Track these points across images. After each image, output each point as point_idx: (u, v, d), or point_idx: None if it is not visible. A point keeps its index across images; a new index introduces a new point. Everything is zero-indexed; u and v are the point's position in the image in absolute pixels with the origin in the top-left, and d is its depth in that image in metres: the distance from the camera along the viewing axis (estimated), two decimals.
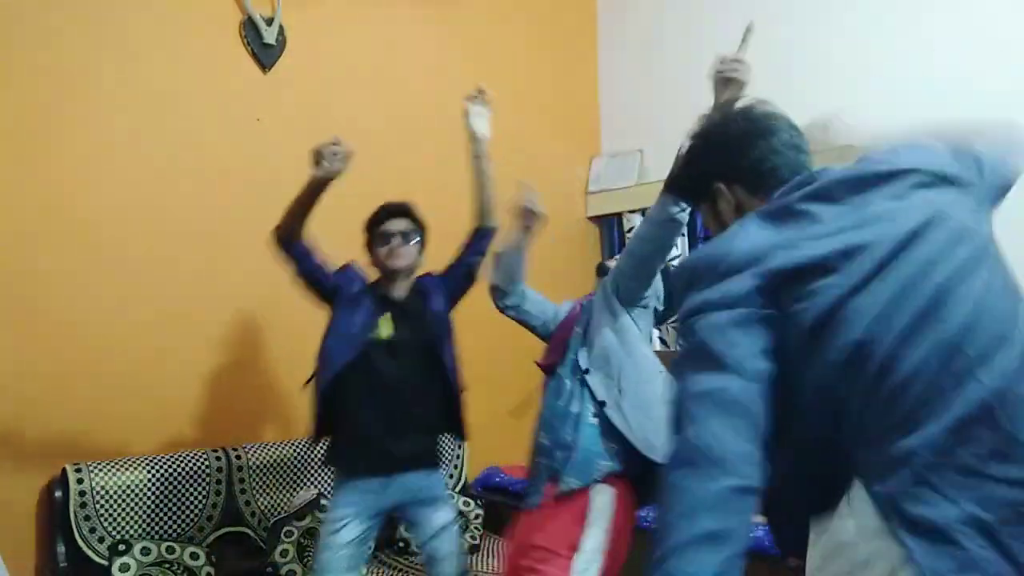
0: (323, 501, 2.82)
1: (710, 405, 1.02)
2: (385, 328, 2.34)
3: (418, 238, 2.44)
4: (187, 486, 2.79)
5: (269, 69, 3.21)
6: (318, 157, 2.25)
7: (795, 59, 3.33)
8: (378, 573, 2.94)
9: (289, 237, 2.34)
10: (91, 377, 2.75)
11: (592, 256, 4.13)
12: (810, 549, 1.11)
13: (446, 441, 2.65)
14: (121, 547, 2.57)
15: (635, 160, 4.02)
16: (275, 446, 3.04)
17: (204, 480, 2.83)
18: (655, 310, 2.36)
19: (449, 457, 3.48)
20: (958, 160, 1.19)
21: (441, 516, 2.41)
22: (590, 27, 4.30)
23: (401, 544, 3.15)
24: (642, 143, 3.98)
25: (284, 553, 2.77)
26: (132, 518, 2.67)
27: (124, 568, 2.53)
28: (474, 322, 3.54)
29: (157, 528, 2.71)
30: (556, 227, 3.98)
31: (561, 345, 2.35)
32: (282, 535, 2.78)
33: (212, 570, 2.66)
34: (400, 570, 2.99)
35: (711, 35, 3.68)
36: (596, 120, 4.28)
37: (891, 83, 3.13)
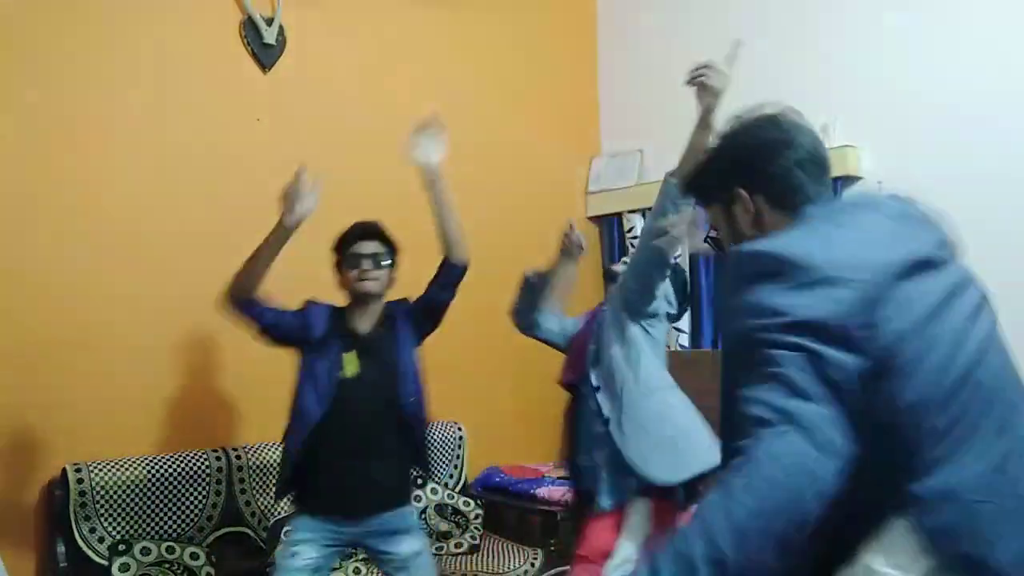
0: None
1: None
2: (350, 366, 2.27)
3: (390, 261, 2.36)
4: (187, 486, 2.79)
5: (269, 69, 3.21)
6: (290, 200, 2.17)
7: (794, 58, 3.33)
8: (379, 573, 2.94)
9: (246, 297, 2.22)
10: (91, 377, 2.75)
11: (592, 256, 4.13)
12: None
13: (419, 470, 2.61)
14: (121, 547, 2.57)
15: (635, 160, 4.02)
16: (275, 446, 3.03)
17: (204, 480, 2.83)
18: (667, 314, 2.38)
19: (449, 457, 3.48)
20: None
21: (407, 546, 2.33)
22: (590, 27, 4.29)
23: None
24: (642, 143, 3.98)
25: None
26: (132, 518, 2.67)
27: (124, 568, 2.53)
28: (474, 322, 3.55)
29: (157, 528, 2.71)
30: (556, 227, 3.99)
31: (577, 363, 2.36)
32: (282, 535, 2.78)
33: (212, 570, 2.66)
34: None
35: (711, 35, 3.68)
36: (596, 120, 4.28)
37: (891, 83, 3.13)
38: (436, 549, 3.18)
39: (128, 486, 2.68)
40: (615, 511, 2.16)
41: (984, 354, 1.07)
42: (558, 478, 3.57)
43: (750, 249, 1.13)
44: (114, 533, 2.62)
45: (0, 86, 2.66)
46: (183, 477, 2.79)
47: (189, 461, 2.83)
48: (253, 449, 2.98)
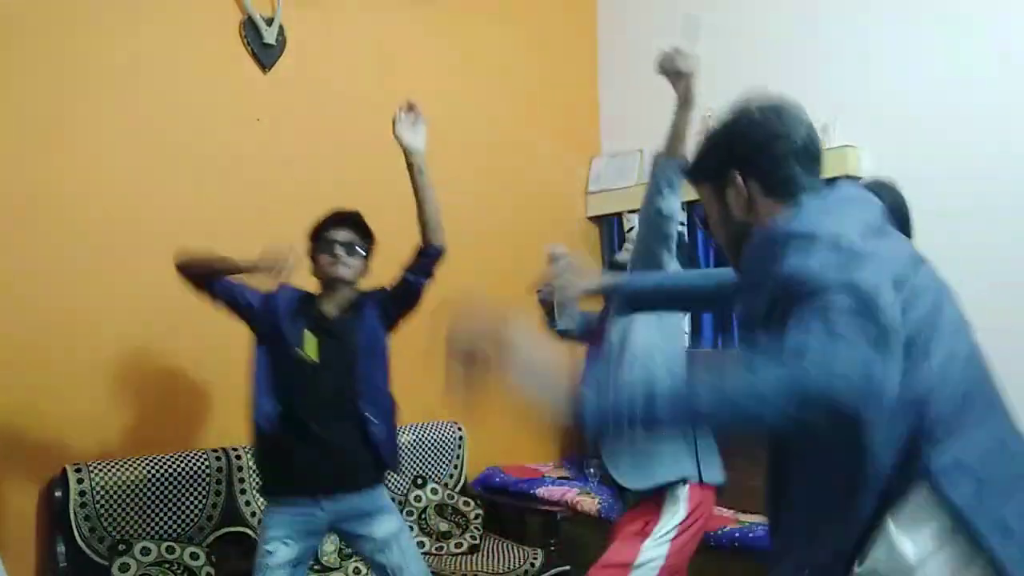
0: None
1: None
2: (310, 347, 2.27)
3: (364, 250, 2.36)
4: (187, 486, 2.79)
5: (269, 69, 3.21)
6: (272, 270, 2.17)
7: (794, 58, 3.33)
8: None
9: (207, 278, 2.28)
10: (91, 377, 2.75)
11: (593, 256, 4.13)
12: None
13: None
14: (121, 547, 2.57)
15: (635, 160, 4.02)
16: None
17: (204, 480, 2.83)
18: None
19: (449, 457, 3.48)
20: None
21: (383, 527, 2.32)
22: (590, 27, 4.29)
23: None
24: (642, 143, 3.97)
25: None
26: (132, 518, 2.67)
27: (124, 568, 2.53)
28: None
29: (157, 528, 2.71)
30: (556, 227, 3.99)
31: (591, 356, 2.36)
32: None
33: (212, 570, 2.66)
34: None
35: (711, 35, 3.68)
36: (596, 120, 4.28)
37: (890, 83, 3.13)
38: (436, 549, 3.18)
39: (128, 486, 2.68)
40: (652, 497, 2.13)
41: (972, 339, 1.18)
42: (558, 478, 3.58)
43: (782, 229, 1.16)
44: (114, 533, 2.62)
45: None
46: (183, 477, 2.79)
47: (189, 461, 2.83)
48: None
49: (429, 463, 3.43)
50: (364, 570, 2.90)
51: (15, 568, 2.50)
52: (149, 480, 2.72)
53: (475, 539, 3.26)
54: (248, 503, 2.91)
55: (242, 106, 3.13)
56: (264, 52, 3.18)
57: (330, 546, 2.97)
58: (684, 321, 2.38)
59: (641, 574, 2.04)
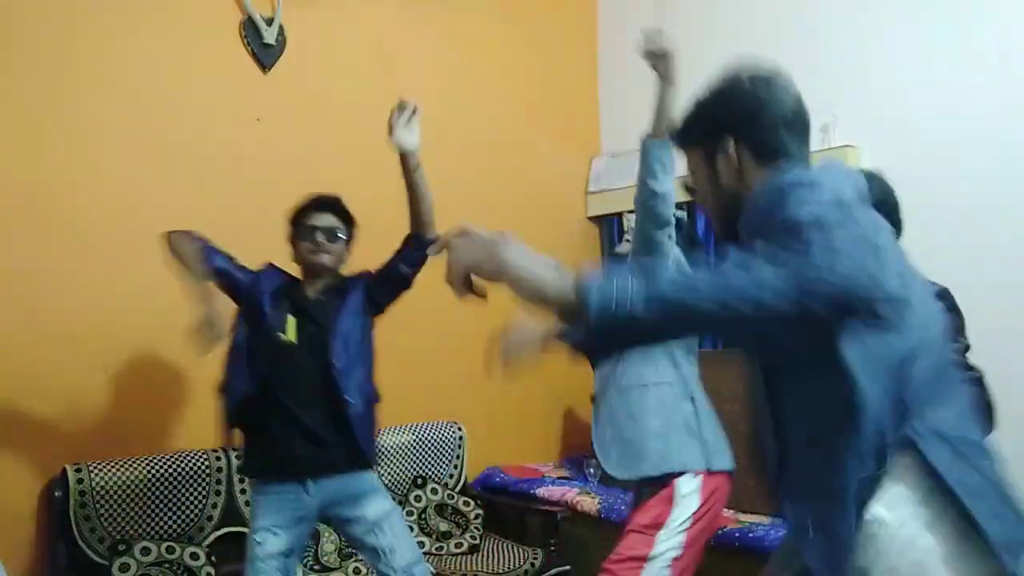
0: None
1: None
2: (291, 331, 2.25)
3: (346, 235, 2.34)
4: (187, 486, 2.79)
5: (269, 69, 3.21)
6: (207, 330, 2.13)
7: (794, 58, 3.33)
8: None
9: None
10: (91, 377, 2.75)
11: (593, 256, 4.13)
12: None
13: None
14: (121, 547, 2.57)
15: (635, 160, 4.01)
16: None
17: (204, 480, 2.83)
18: None
19: (449, 457, 3.48)
20: None
21: (374, 508, 2.28)
22: (590, 27, 4.30)
23: None
24: None
25: None
26: (132, 518, 2.67)
27: (124, 568, 2.53)
28: (474, 322, 3.53)
29: (157, 528, 2.71)
30: (556, 227, 4.00)
31: None
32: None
33: (212, 570, 2.66)
34: None
35: (711, 35, 3.69)
36: (596, 120, 4.28)
37: (890, 83, 3.13)
38: (436, 549, 3.18)
39: (128, 486, 2.68)
40: (666, 485, 2.13)
41: (943, 318, 1.21)
42: (558, 478, 3.58)
43: (786, 178, 1.16)
44: (114, 533, 2.62)
45: None
46: (183, 477, 2.79)
47: (189, 461, 2.83)
48: None
49: (429, 463, 3.43)
50: (364, 570, 2.90)
51: (15, 568, 2.50)
52: (149, 480, 2.72)
53: (475, 539, 3.26)
54: (248, 503, 2.91)
55: (242, 106, 3.13)
56: (264, 52, 3.18)
57: (330, 546, 2.97)
58: None
59: (657, 565, 2.05)
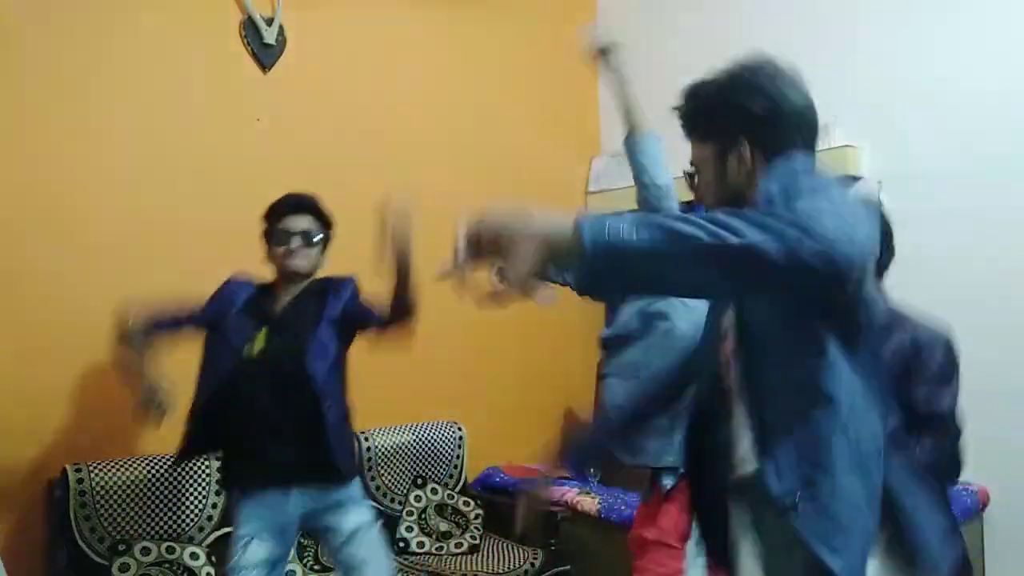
0: None
1: None
2: (258, 343, 2.18)
3: (321, 238, 2.24)
4: (187, 486, 2.79)
5: (269, 69, 3.21)
6: (150, 405, 2.12)
7: (794, 58, 3.33)
8: None
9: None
10: (91, 377, 2.75)
11: None
12: None
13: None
14: (121, 547, 2.57)
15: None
16: None
17: (204, 480, 2.83)
18: None
19: (449, 457, 3.48)
20: None
21: (352, 519, 2.23)
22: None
23: (401, 544, 3.15)
24: None
25: None
26: (132, 518, 2.67)
27: (124, 568, 2.53)
28: (474, 322, 3.54)
29: (157, 528, 2.71)
30: None
31: None
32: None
33: (212, 570, 2.66)
34: (400, 570, 2.99)
35: (711, 35, 3.68)
36: (596, 120, 4.28)
37: (890, 83, 3.13)
38: (436, 549, 3.18)
39: (128, 486, 2.68)
40: (682, 488, 2.11)
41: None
42: (558, 478, 3.58)
43: (797, 165, 1.19)
44: (114, 533, 2.62)
45: None
46: (183, 477, 2.79)
47: (189, 461, 2.82)
48: None
49: (429, 463, 3.43)
50: None
51: (15, 568, 2.50)
52: (149, 480, 2.71)
53: (475, 539, 3.26)
54: None
55: (242, 106, 3.13)
56: (264, 52, 3.18)
57: None
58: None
59: (692, 550, 2.04)
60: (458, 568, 3.01)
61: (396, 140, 3.51)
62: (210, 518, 2.82)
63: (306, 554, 2.90)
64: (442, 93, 3.69)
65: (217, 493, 2.85)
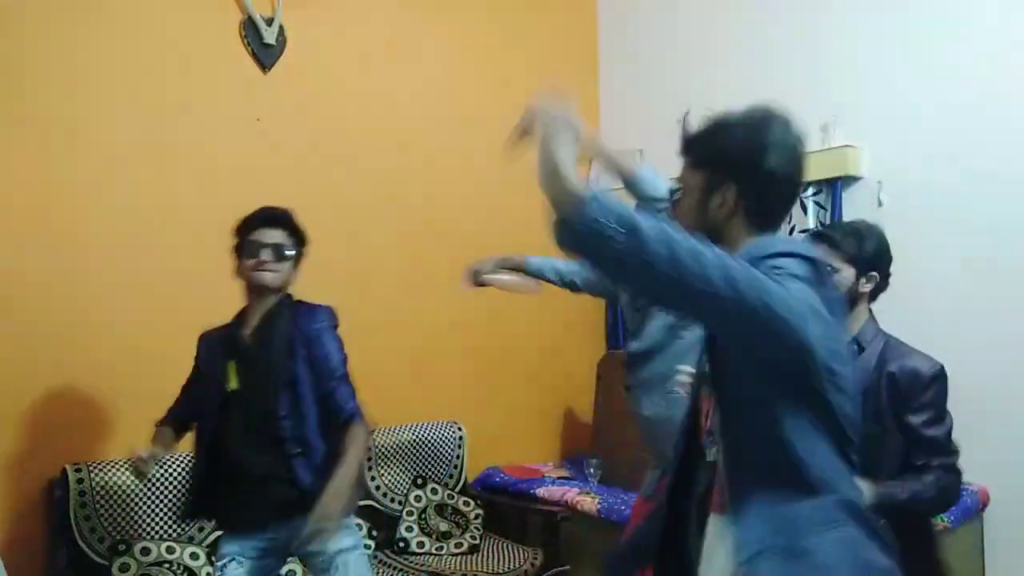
0: None
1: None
2: (232, 378, 2.13)
3: (293, 252, 2.18)
4: (187, 486, 2.79)
5: (269, 69, 3.21)
6: (140, 466, 2.18)
7: (794, 58, 3.33)
8: (378, 573, 2.94)
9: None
10: (91, 377, 2.75)
11: None
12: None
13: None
14: (121, 547, 2.57)
15: (635, 160, 4.01)
16: None
17: None
18: None
19: (449, 457, 3.48)
20: None
21: (335, 543, 2.13)
22: (590, 27, 4.29)
23: (401, 544, 3.16)
24: (642, 143, 3.97)
25: None
26: (132, 518, 2.67)
27: (124, 568, 2.53)
28: (473, 323, 3.54)
29: (157, 528, 2.71)
30: None
31: None
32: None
33: (212, 570, 2.66)
34: (400, 570, 2.99)
35: (711, 35, 3.69)
36: (596, 120, 4.28)
37: (890, 83, 3.13)
38: (436, 549, 3.18)
39: (128, 486, 2.68)
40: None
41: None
42: (558, 478, 3.58)
43: (771, 247, 1.23)
44: (114, 533, 2.62)
45: None
46: (183, 477, 2.78)
47: (189, 461, 2.82)
48: None
49: (429, 463, 3.43)
50: None
51: (15, 568, 2.50)
52: (149, 480, 2.71)
53: (475, 539, 3.26)
54: None
55: (242, 106, 3.13)
56: (264, 52, 3.18)
57: None
58: None
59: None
60: (458, 568, 3.01)
61: (396, 140, 3.51)
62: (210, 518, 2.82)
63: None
64: (441, 93, 3.69)
65: None
